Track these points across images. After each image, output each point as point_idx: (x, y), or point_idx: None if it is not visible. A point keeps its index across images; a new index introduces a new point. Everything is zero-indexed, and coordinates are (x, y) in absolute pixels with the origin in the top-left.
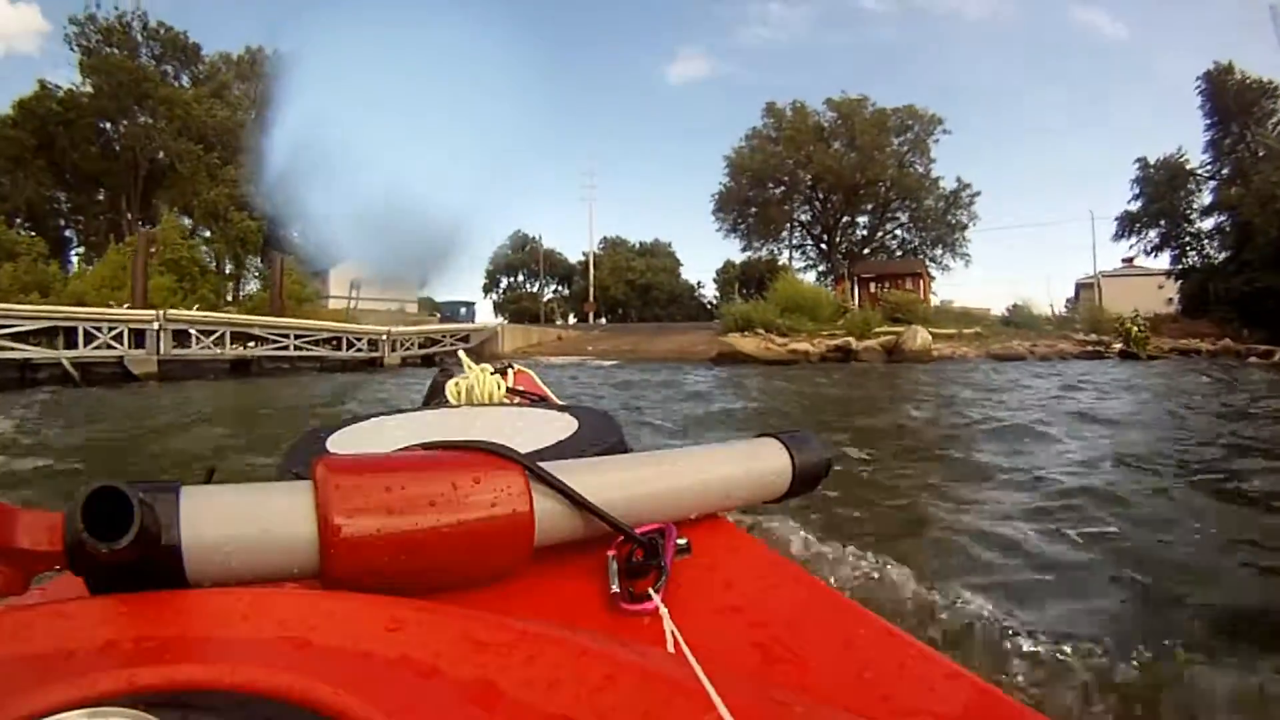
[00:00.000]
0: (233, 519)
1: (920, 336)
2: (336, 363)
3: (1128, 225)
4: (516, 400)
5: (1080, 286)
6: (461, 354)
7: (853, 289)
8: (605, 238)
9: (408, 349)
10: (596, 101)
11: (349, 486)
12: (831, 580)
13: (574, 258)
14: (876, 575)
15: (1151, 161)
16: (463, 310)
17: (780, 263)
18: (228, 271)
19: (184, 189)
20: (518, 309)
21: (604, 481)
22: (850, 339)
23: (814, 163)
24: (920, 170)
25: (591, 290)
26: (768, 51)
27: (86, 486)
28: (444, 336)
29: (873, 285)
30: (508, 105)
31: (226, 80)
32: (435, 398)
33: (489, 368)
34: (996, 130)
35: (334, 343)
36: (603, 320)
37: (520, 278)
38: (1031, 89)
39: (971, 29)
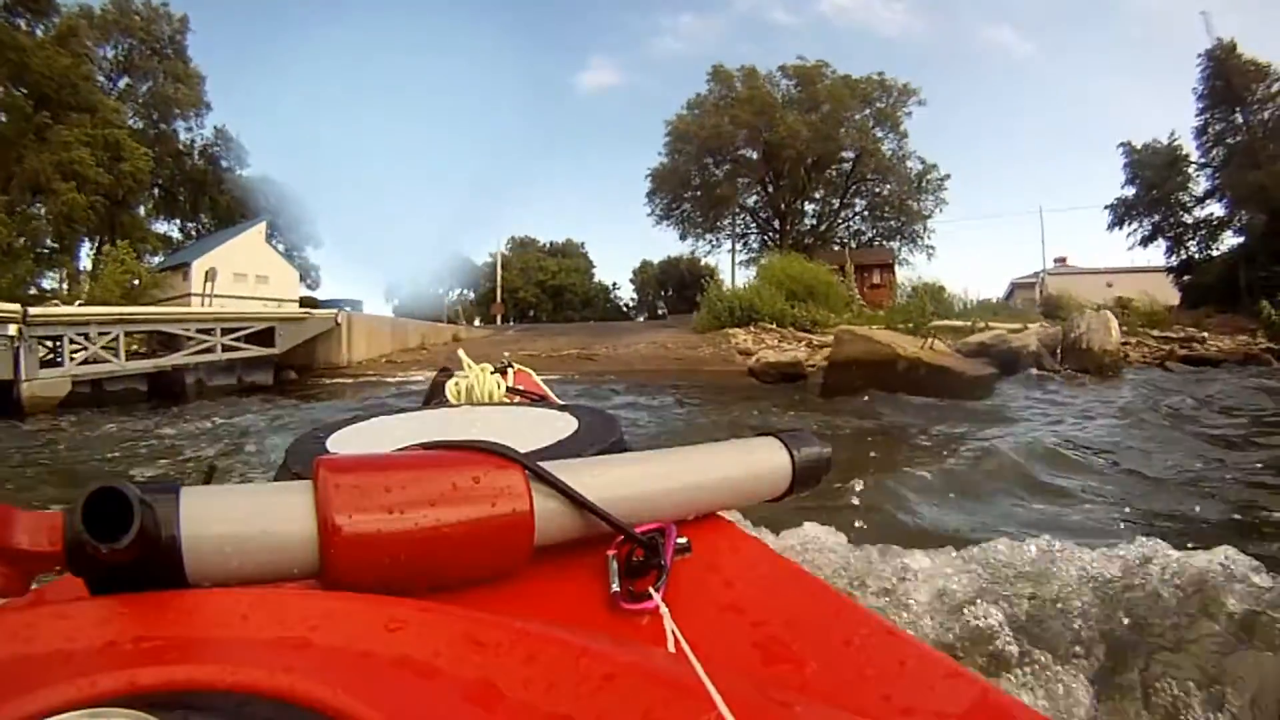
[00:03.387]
0: (233, 519)
1: (1113, 330)
2: None
3: (1123, 213)
4: (516, 400)
5: (1016, 285)
6: (461, 354)
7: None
8: (514, 237)
9: (87, 360)
10: (506, 106)
11: (349, 486)
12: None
13: (480, 259)
14: None
15: (1137, 146)
16: (346, 309)
17: (705, 262)
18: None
19: (4, 155)
20: (416, 314)
21: (604, 481)
22: (1002, 335)
23: (774, 130)
24: (893, 147)
25: (499, 291)
26: (678, 62)
27: (87, 487)
28: (186, 334)
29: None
30: (407, 104)
31: (75, 25)
32: (435, 397)
33: (489, 367)
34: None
35: None
36: (511, 324)
37: (424, 281)
38: (966, 82)
39: (888, 38)
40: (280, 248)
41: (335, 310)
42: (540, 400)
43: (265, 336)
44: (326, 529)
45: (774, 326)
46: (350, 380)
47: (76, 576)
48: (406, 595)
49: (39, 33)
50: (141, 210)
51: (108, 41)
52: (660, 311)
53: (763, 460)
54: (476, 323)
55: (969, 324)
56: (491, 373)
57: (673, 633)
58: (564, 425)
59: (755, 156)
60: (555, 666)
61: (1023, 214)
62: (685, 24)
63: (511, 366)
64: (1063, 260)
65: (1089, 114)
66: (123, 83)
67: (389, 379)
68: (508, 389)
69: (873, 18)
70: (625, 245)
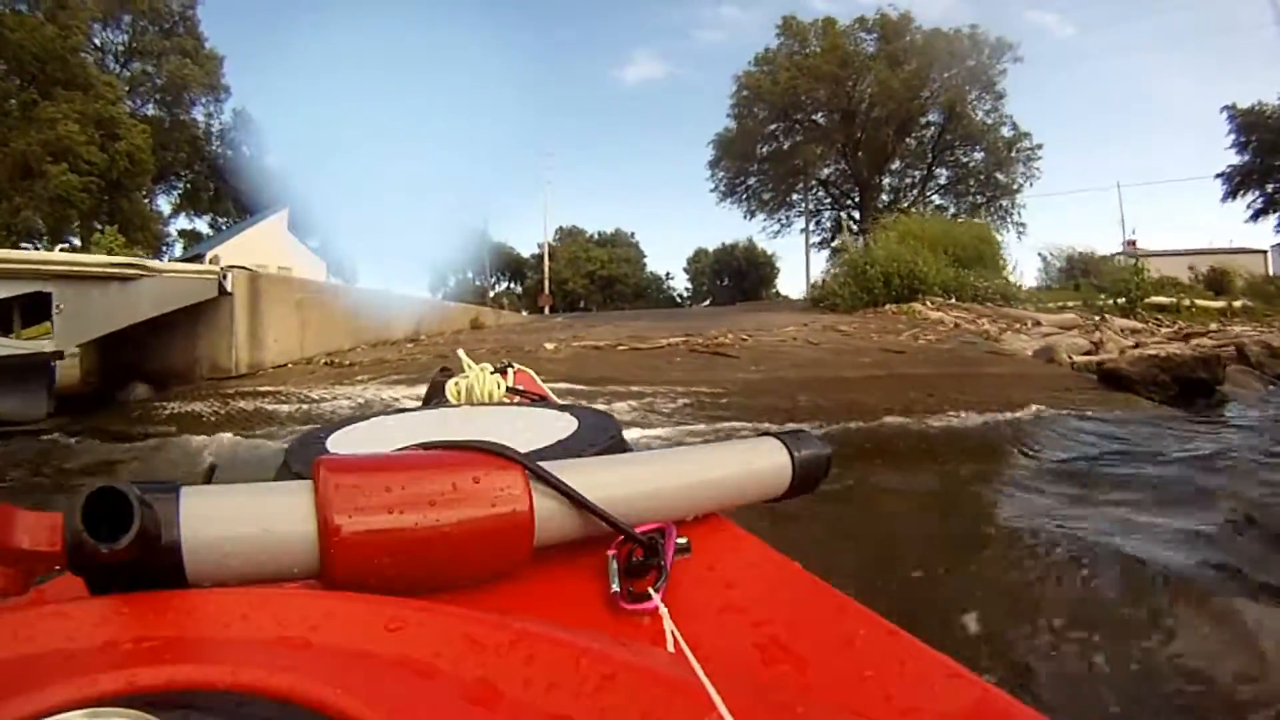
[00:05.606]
0: (233, 519)
1: None
2: None
3: (1238, 182)
4: (516, 400)
5: None
6: (461, 353)
7: None
8: (561, 228)
9: None
10: (551, 99)
11: (349, 486)
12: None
13: (527, 252)
14: None
15: (1241, 108)
16: (247, 268)
17: (762, 248)
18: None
19: None
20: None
21: (604, 481)
22: None
23: (860, 86)
24: (987, 109)
25: (546, 281)
26: (721, 52)
27: (86, 487)
28: None
29: None
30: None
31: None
32: (435, 397)
33: (489, 366)
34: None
35: None
36: (560, 315)
37: (469, 275)
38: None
39: (933, 20)
40: (313, 244)
41: (215, 270)
42: (540, 400)
43: (35, 316)
44: (326, 529)
45: (951, 301)
46: (215, 408)
47: (76, 576)
48: (406, 595)
49: (39, 16)
50: (165, 206)
51: (113, 21)
52: (726, 300)
53: (763, 460)
54: (524, 314)
55: (1174, 301)
56: (491, 373)
57: (672, 633)
58: (564, 425)
59: (833, 120)
60: (555, 666)
61: (1090, 191)
62: (728, 15)
63: (511, 367)
64: (1131, 243)
65: (1153, 90)
66: (135, 67)
67: (304, 402)
68: (508, 389)
69: (916, 1)
70: (677, 236)
